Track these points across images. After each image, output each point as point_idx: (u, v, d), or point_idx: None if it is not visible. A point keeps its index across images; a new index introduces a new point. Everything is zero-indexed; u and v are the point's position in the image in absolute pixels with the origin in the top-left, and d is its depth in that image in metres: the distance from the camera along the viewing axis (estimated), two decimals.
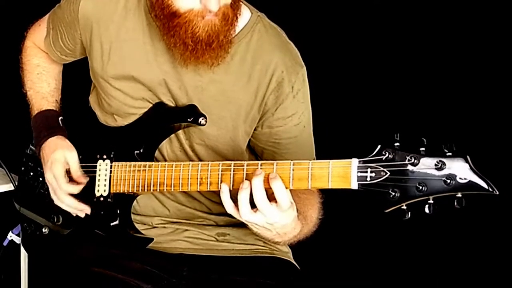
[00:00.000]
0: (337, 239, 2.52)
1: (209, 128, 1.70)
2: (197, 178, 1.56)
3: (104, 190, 1.71)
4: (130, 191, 1.68)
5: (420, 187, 1.31)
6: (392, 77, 2.53)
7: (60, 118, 1.86)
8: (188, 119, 1.67)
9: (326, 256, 2.60)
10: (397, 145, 1.34)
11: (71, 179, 1.75)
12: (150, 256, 1.76)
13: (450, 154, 1.30)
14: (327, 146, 1.75)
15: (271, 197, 1.44)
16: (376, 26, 2.53)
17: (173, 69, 1.69)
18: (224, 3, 1.57)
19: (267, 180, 1.44)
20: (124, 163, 1.69)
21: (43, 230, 1.88)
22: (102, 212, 1.72)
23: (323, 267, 2.57)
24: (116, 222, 1.71)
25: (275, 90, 1.69)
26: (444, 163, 1.29)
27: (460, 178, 1.29)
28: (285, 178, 1.44)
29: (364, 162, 1.36)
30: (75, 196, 1.73)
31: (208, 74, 1.67)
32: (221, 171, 1.52)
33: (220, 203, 1.49)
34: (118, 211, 1.71)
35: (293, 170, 1.44)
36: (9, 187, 2.19)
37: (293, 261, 1.87)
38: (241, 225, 1.59)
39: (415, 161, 1.31)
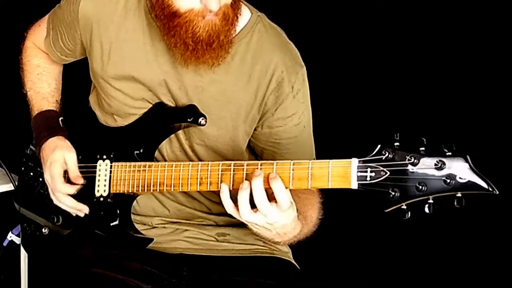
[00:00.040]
0: (337, 239, 2.51)
1: (209, 128, 1.70)
2: (197, 178, 1.55)
3: (104, 190, 1.71)
4: (130, 191, 1.68)
5: (420, 187, 1.31)
6: (392, 77, 2.52)
7: (60, 119, 1.86)
8: (188, 119, 1.67)
9: (326, 256, 2.60)
10: (397, 145, 1.34)
11: (69, 180, 1.75)
12: (150, 256, 1.76)
13: (450, 154, 1.30)
14: (327, 146, 1.75)
15: (271, 197, 1.44)
16: (376, 26, 2.53)
17: (173, 69, 1.69)
18: (224, 3, 1.57)
19: (267, 180, 1.43)
20: (124, 163, 1.69)
21: (43, 230, 1.88)
22: (102, 212, 1.72)
23: (323, 267, 2.57)
24: (116, 222, 1.71)
25: (275, 90, 1.69)
26: (444, 163, 1.29)
27: (460, 178, 1.29)
28: (285, 178, 1.44)
29: (364, 162, 1.36)
30: (74, 196, 1.73)
31: (209, 74, 1.67)
32: (221, 171, 1.52)
33: (220, 203, 1.49)
34: (118, 211, 1.71)
35: (293, 170, 1.44)
36: (9, 187, 2.19)
37: (293, 261, 1.87)
38: (241, 225, 1.59)
39: (415, 160, 1.31)
